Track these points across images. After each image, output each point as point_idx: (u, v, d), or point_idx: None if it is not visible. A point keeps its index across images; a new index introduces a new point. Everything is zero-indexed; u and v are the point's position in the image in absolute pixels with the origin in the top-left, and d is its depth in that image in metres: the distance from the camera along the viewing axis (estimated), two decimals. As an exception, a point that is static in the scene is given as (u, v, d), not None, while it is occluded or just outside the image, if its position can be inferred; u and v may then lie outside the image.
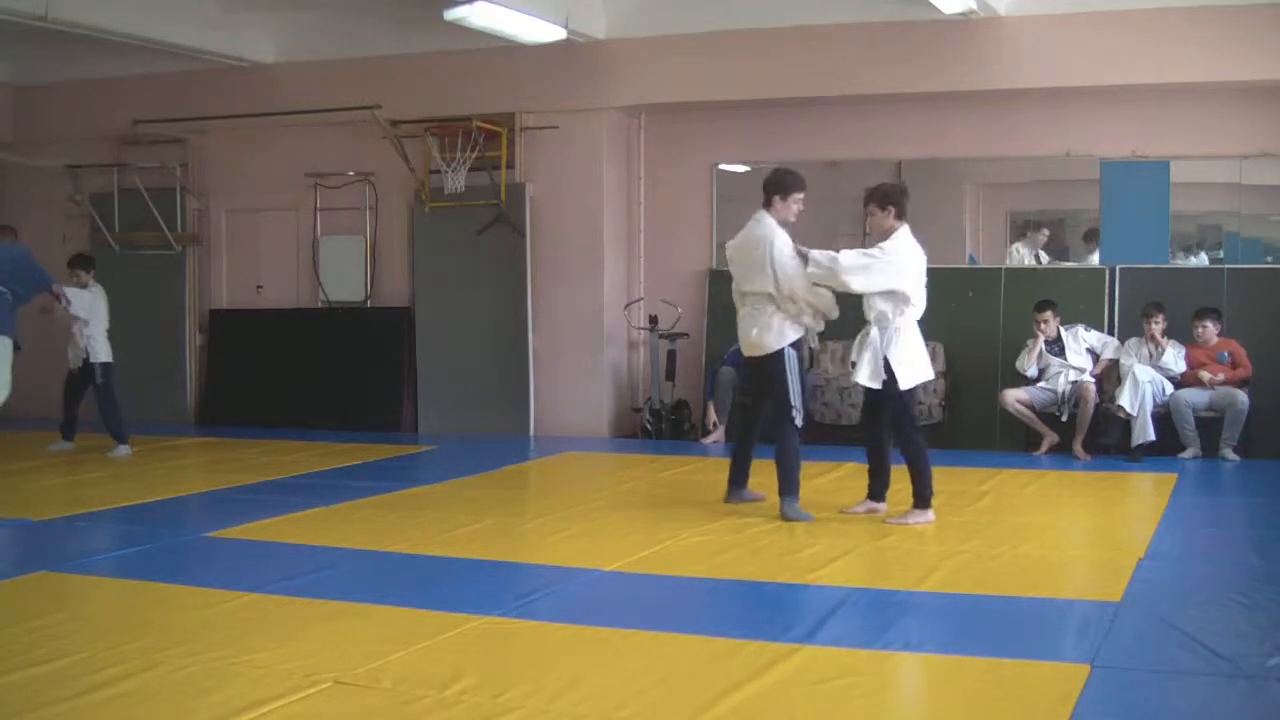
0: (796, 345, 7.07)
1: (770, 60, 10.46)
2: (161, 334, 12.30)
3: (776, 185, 7.11)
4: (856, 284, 6.81)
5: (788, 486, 6.97)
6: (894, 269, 6.78)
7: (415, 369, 11.61)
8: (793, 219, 7.11)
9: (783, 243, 6.98)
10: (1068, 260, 10.72)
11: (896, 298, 6.80)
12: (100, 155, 12.29)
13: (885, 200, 6.93)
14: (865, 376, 6.88)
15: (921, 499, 6.87)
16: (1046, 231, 10.75)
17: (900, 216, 6.91)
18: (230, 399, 12.15)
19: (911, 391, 6.94)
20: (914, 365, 6.86)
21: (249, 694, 3.97)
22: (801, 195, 7.12)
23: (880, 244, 6.88)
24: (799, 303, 6.98)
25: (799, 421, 7.06)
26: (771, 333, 7.01)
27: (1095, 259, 10.40)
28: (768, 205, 7.11)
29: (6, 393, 8.84)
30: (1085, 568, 6.08)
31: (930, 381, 10.06)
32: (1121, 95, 9.96)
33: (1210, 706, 4.00)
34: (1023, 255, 10.68)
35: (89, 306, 9.89)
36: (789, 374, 7.00)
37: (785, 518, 6.90)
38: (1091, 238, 10.55)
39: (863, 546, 6.26)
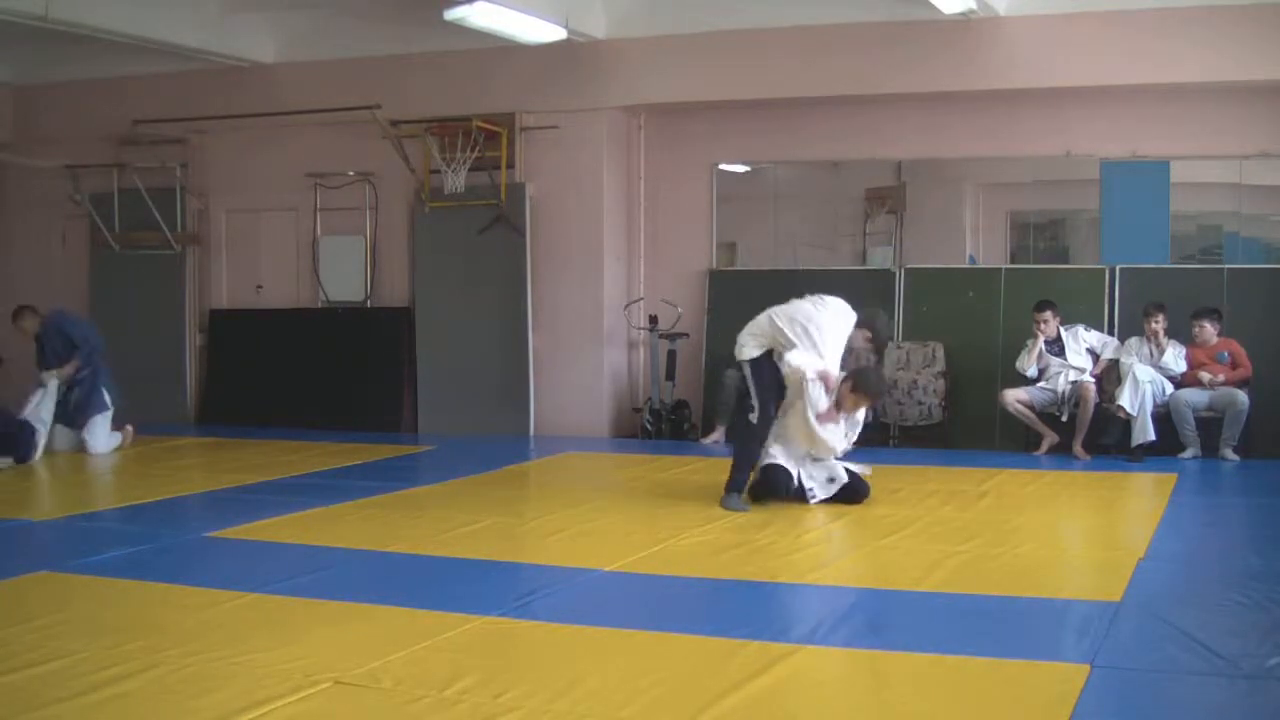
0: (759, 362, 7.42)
1: (770, 60, 10.46)
2: (161, 334, 12.30)
3: (871, 327, 7.46)
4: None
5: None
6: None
7: (415, 369, 11.60)
8: (856, 345, 7.44)
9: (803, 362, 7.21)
10: (1067, 261, 10.71)
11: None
12: (100, 155, 12.28)
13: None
14: None
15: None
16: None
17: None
18: (230, 399, 12.15)
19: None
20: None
21: (249, 694, 3.97)
22: (864, 341, 7.47)
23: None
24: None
25: (753, 419, 7.42)
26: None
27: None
28: (860, 326, 7.38)
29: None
30: (1085, 568, 6.08)
31: (931, 381, 10.21)
32: (1121, 95, 9.95)
33: (1210, 706, 4.00)
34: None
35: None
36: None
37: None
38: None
39: (863, 546, 6.27)
